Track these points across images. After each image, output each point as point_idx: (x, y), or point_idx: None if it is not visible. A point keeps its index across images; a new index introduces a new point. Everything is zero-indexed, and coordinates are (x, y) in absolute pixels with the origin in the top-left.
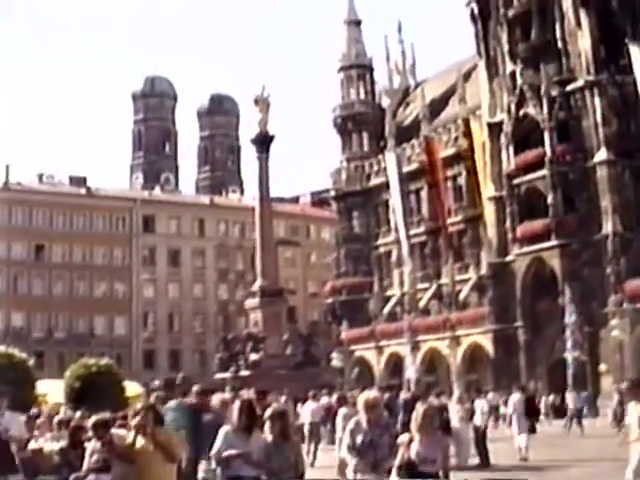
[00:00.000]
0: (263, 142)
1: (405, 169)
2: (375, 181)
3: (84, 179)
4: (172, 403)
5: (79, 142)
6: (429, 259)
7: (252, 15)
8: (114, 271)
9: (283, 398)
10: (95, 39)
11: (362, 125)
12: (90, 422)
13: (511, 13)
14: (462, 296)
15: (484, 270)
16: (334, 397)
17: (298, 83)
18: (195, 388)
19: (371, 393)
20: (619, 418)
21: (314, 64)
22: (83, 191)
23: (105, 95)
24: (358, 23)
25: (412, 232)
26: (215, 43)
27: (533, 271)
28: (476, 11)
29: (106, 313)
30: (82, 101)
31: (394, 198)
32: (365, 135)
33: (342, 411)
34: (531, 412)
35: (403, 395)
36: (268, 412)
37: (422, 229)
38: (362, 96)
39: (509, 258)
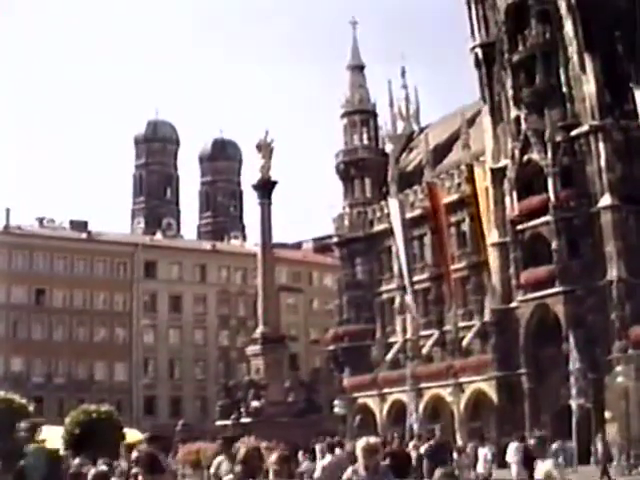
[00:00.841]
0: (265, 188)
1: (408, 215)
2: (378, 227)
3: (85, 223)
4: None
5: (80, 186)
6: (432, 306)
7: (255, 60)
8: (115, 316)
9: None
10: (97, 82)
11: (365, 171)
12: (90, 476)
13: (515, 58)
14: (465, 343)
15: (488, 317)
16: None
17: (301, 129)
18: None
19: (370, 439)
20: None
21: (318, 110)
22: (84, 235)
23: (107, 139)
24: (361, 68)
25: (415, 279)
26: (218, 88)
27: (537, 317)
28: (480, 56)
29: (106, 359)
30: (83, 144)
31: (397, 244)
32: (368, 181)
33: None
34: (529, 461)
35: (427, 443)
36: (275, 456)
37: (425, 276)
38: (365, 142)
39: (513, 305)
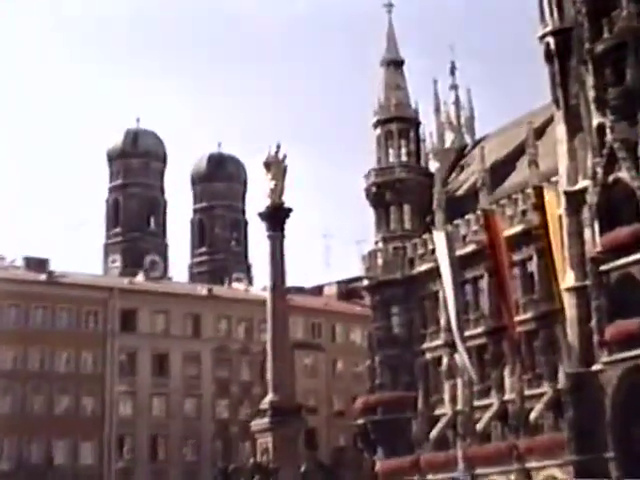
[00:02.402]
0: (276, 217)
1: (459, 252)
2: (420, 267)
3: (44, 261)
4: None
5: (38, 214)
6: (490, 368)
7: (261, 55)
8: (82, 381)
9: None
10: (61, 84)
11: (403, 195)
12: None
13: (599, 48)
14: (533, 417)
15: (562, 383)
16: None
17: (322, 142)
18: None
19: None
20: None
21: (342, 118)
22: (43, 277)
23: (73, 154)
24: (400, 64)
25: (468, 333)
26: (215, 91)
27: (627, 384)
28: (552, 47)
29: (69, 436)
30: (42, 161)
31: (445, 289)
32: (407, 208)
33: None
34: None
35: None
36: None
37: (481, 329)
38: (404, 158)
39: (596, 367)
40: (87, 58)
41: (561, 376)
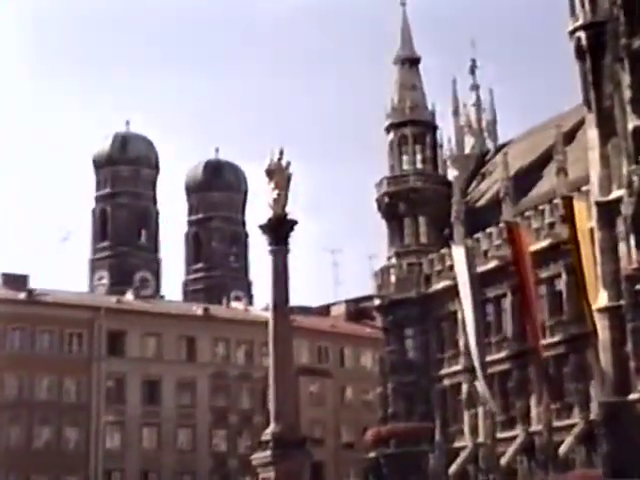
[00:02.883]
0: (280, 230)
1: (480, 268)
2: (437, 285)
3: (24, 278)
4: None
5: (17, 227)
6: (514, 397)
7: (262, 54)
8: (64, 410)
9: None
10: (39, 78)
11: (419, 206)
12: None
13: (637, 44)
14: (563, 451)
15: (595, 413)
16: None
17: (328, 148)
18: None
19: None
20: None
21: (351, 121)
22: (22, 295)
23: (55, 159)
24: (415, 62)
25: (490, 358)
26: (212, 90)
27: None
28: (584, 42)
29: (50, 472)
30: (20, 167)
31: (464, 309)
32: (423, 220)
33: None
34: None
35: None
36: None
37: (504, 354)
38: (419, 165)
39: (632, 396)
40: (71, 58)
41: (594, 406)
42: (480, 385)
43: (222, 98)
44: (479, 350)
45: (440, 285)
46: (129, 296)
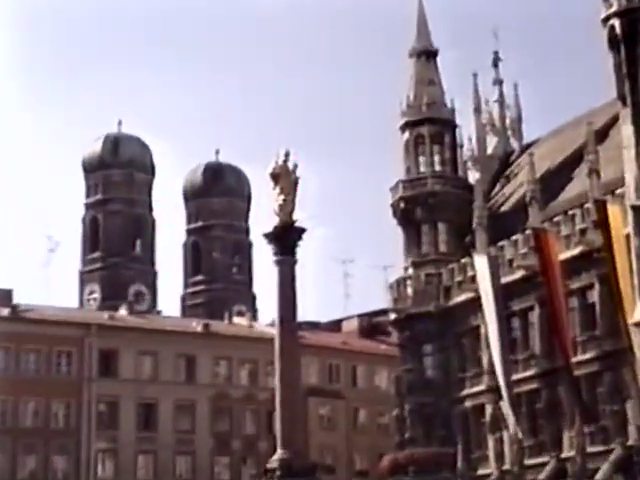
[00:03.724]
0: (286, 239)
1: (504, 279)
2: (458, 298)
3: (8, 293)
4: None
5: (0, 237)
6: (544, 420)
7: (263, 51)
8: (51, 437)
9: None
10: (23, 76)
11: (438, 212)
12: None
13: None
14: (598, 479)
15: (633, 438)
16: None
17: (338, 149)
18: None
19: None
20: None
21: (362, 120)
22: (6, 312)
23: (42, 163)
24: (433, 55)
25: (516, 377)
26: (212, 88)
27: None
28: (618, 30)
29: None
30: (3, 171)
31: (488, 324)
32: (442, 227)
33: None
34: None
35: None
36: None
37: (532, 372)
38: (438, 167)
39: None
40: (59, 55)
41: (632, 429)
42: (505, 407)
43: (223, 96)
44: (504, 368)
45: (461, 297)
46: (122, 311)
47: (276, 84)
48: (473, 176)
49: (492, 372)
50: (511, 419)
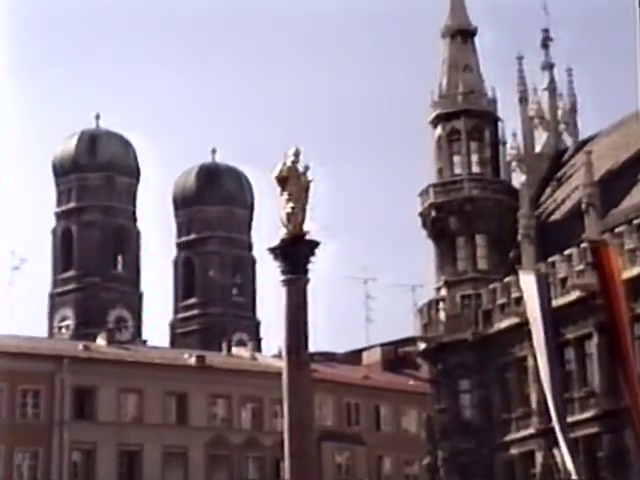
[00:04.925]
0: (296, 254)
1: (556, 302)
2: (500, 324)
3: None
4: None
5: None
6: (606, 469)
7: (270, 38)
8: None
9: None
10: None
11: (476, 221)
12: None
13: None
14: None
15: None
16: None
17: (354, 146)
18: None
19: None
20: None
21: (383, 112)
22: None
23: (6, 165)
24: (470, 35)
25: (573, 418)
26: (207, 78)
27: None
28: None
29: None
30: None
31: (537, 355)
32: (481, 240)
33: None
34: None
35: None
36: None
37: (591, 413)
38: (476, 168)
39: None
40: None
41: None
42: (560, 454)
43: (219, 89)
44: (558, 408)
45: (504, 323)
46: (100, 341)
47: (281, 74)
48: (518, 179)
49: (543, 413)
50: (570, 468)
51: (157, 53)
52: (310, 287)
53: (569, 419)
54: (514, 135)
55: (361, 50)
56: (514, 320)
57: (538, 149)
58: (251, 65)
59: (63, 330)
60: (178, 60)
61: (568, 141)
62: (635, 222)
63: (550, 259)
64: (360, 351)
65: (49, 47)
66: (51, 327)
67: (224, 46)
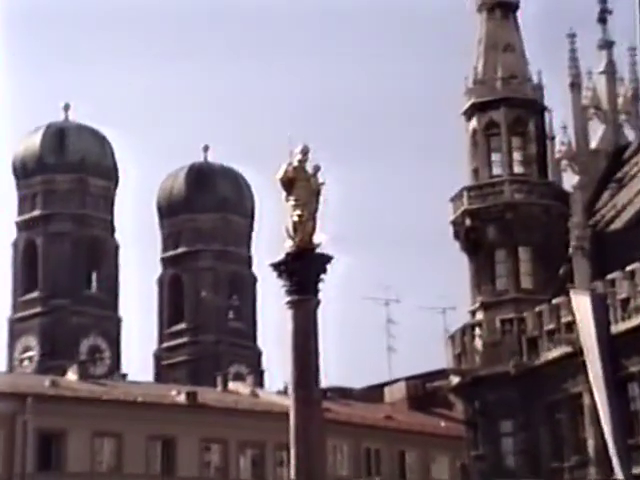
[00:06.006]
0: (305, 271)
1: (616, 327)
2: (548, 354)
3: None
4: None
5: None
6: None
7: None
8: None
9: None
10: None
11: (518, 232)
12: None
13: None
14: None
15: None
16: None
17: (369, 144)
18: None
19: None
20: None
21: (405, 100)
22: None
23: None
24: (512, 8)
25: (638, 470)
26: (198, 66)
27: None
28: None
29: None
30: None
31: (594, 391)
32: (525, 253)
33: None
34: None
35: None
36: None
37: None
38: (519, 168)
39: None
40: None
41: None
42: None
43: (212, 77)
44: (620, 457)
45: (553, 353)
46: (71, 376)
47: (284, 62)
48: (570, 180)
49: (602, 462)
50: None
51: (140, 38)
52: (321, 310)
53: (634, 470)
54: (564, 128)
55: (374, 32)
56: (565, 349)
57: (594, 145)
58: (251, 51)
59: (26, 363)
60: (164, 45)
61: (630, 135)
62: None
63: (609, 276)
64: (381, 386)
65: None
66: (11, 359)
67: (218, 31)
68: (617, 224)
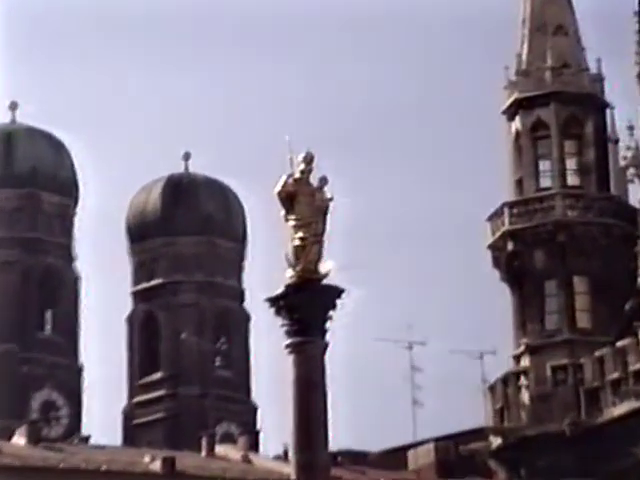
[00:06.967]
0: (309, 307)
1: None
2: (613, 409)
3: None
4: None
5: None
6: None
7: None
8: None
9: None
10: None
11: (573, 258)
12: None
13: None
14: None
15: None
16: None
17: (383, 152)
18: None
19: None
20: None
21: (425, 96)
22: None
23: None
24: None
25: None
26: (181, 56)
27: None
28: None
29: None
30: None
31: None
32: (582, 284)
33: None
34: None
35: None
36: None
37: None
38: (573, 180)
39: None
40: None
41: None
42: None
43: (195, 75)
44: None
45: (619, 409)
46: (20, 440)
47: (278, 60)
48: (636, 194)
49: None
50: None
51: (108, 34)
52: (329, 355)
53: None
54: (630, 129)
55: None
56: (634, 404)
57: None
58: (243, 50)
59: None
60: (134, 40)
61: None
62: None
63: None
64: (404, 449)
65: None
66: None
67: (205, 26)
68: None
